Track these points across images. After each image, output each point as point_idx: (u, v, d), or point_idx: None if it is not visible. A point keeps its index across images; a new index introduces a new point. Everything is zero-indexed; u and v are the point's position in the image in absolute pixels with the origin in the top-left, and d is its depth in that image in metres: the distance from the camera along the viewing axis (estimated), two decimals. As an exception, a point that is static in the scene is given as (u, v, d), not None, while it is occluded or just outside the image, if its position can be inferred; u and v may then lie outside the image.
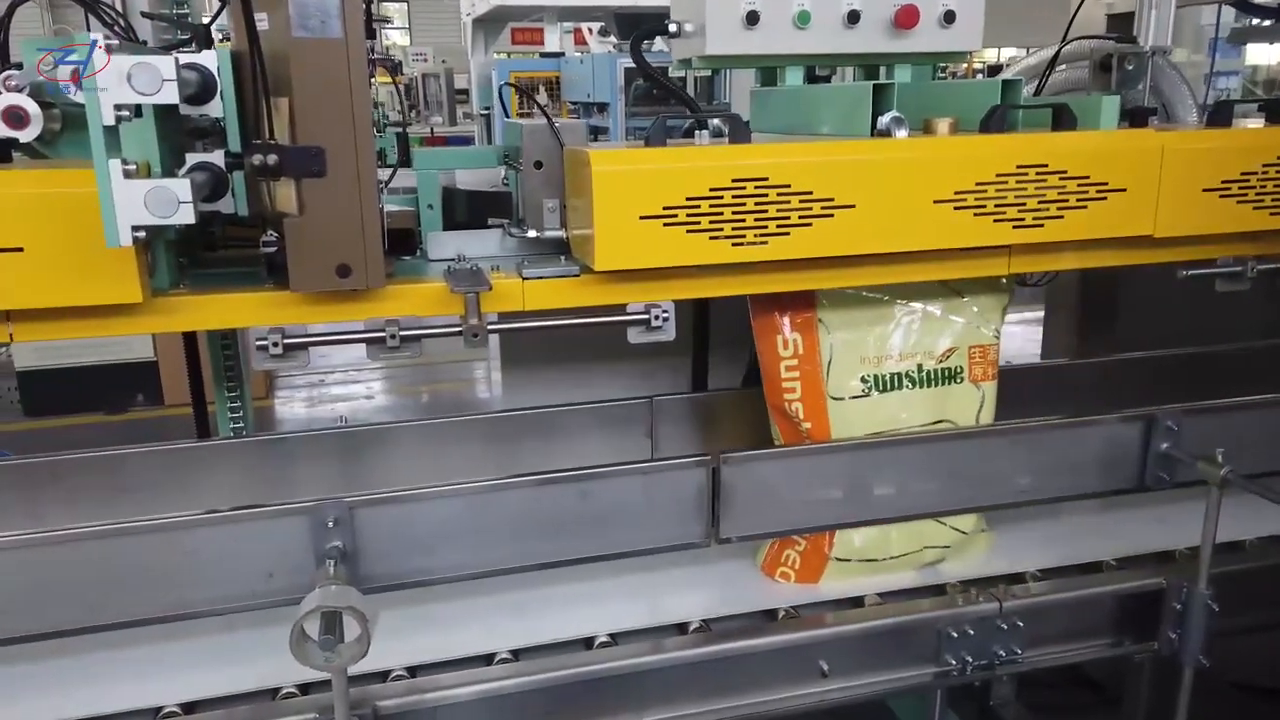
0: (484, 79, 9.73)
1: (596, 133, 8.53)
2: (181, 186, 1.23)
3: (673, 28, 2.10)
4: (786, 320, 1.95)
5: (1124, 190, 1.74)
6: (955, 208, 1.67)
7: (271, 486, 2.08)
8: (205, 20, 1.83)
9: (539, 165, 1.73)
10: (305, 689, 1.73)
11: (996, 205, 1.69)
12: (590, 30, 11.62)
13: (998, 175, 1.68)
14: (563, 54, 10.92)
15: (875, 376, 1.99)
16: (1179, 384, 2.44)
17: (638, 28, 2.17)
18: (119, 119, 1.18)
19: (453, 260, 1.78)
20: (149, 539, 1.63)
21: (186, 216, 1.24)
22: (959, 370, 2.03)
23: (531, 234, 1.76)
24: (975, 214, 1.68)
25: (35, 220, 1.31)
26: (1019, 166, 1.69)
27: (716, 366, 2.51)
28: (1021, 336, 7.59)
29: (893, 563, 2.07)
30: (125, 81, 1.17)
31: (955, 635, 1.94)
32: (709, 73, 10.17)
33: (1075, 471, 2.08)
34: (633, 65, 9.89)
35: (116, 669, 1.77)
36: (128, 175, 1.20)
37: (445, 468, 2.23)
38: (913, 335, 2.00)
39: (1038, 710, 2.70)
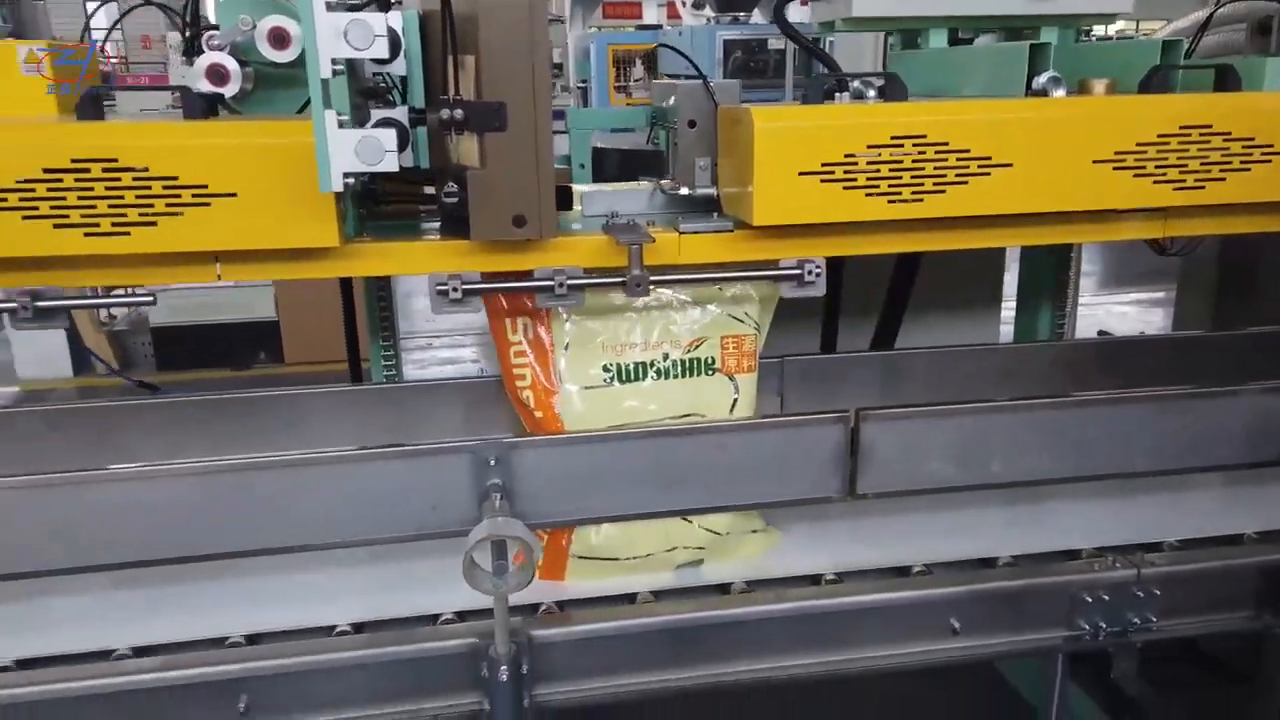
0: (581, 52, 9.81)
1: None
2: (387, 136, 1.33)
3: (816, -9, 2.13)
4: (516, 301, 1.81)
5: (1290, 152, 1.71)
6: (1114, 168, 1.66)
7: (419, 428, 2.20)
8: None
9: (693, 124, 1.78)
10: (462, 616, 1.85)
11: (1157, 166, 1.68)
12: (684, 3, 11.58)
13: (1159, 136, 1.66)
14: (660, 26, 10.91)
15: (618, 366, 1.88)
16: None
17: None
18: (334, 72, 1.27)
19: (606, 216, 1.85)
20: (326, 469, 1.75)
21: (391, 165, 1.34)
22: (710, 361, 1.92)
23: (683, 191, 1.81)
24: (1135, 174, 1.67)
25: (250, 168, 1.43)
26: (1182, 127, 1.67)
27: (845, 329, 2.53)
28: (1135, 316, 7.37)
29: (637, 563, 1.97)
30: (341, 37, 1.26)
31: (1089, 600, 1.94)
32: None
33: (1221, 442, 2.05)
34: (732, 38, 9.85)
35: (290, 591, 1.92)
36: (341, 125, 1.30)
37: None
38: (658, 323, 1.88)
39: (1160, 686, 2.67)
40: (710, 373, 1.93)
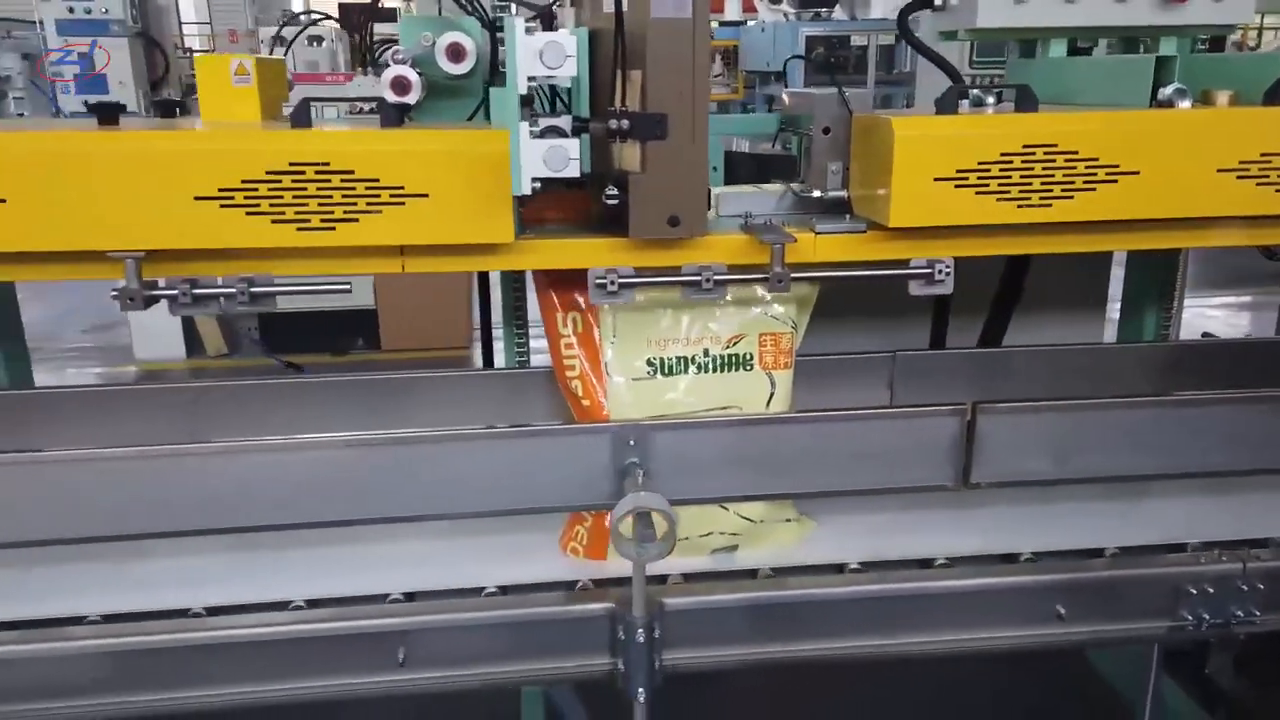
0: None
1: (773, 102, 8.62)
2: (572, 145, 1.48)
3: (939, 1, 2.22)
4: (567, 297, 1.96)
5: None
6: (1238, 177, 1.74)
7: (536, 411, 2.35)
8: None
9: (827, 131, 1.90)
10: (598, 583, 2.01)
11: (1280, 175, 1.75)
12: (761, -2, 11.64)
13: (1285, 146, 1.74)
14: (743, 22, 10.98)
15: (660, 360, 1.99)
16: None
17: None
18: (530, 89, 1.43)
19: (741, 216, 1.98)
20: (482, 444, 1.90)
21: (573, 171, 1.49)
22: (748, 357, 2.02)
23: (815, 194, 1.94)
24: (1258, 184, 1.75)
25: (442, 172, 1.59)
26: (1308, 138, 1.74)
27: (953, 327, 2.62)
28: (1224, 319, 7.24)
29: (678, 544, 2.03)
30: (538, 57, 1.42)
31: (1194, 592, 2.01)
32: (891, 41, 10.03)
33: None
34: (814, 34, 9.80)
35: (441, 554, 2.10)
36: (532, 135, 1.46)
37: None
38: (699, 319, 1.99)
39: (1255, 682, 2.71)
40: (748, 368, 2.04)
